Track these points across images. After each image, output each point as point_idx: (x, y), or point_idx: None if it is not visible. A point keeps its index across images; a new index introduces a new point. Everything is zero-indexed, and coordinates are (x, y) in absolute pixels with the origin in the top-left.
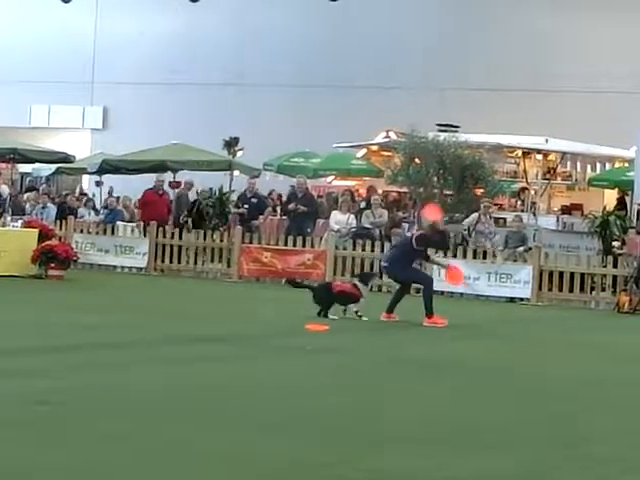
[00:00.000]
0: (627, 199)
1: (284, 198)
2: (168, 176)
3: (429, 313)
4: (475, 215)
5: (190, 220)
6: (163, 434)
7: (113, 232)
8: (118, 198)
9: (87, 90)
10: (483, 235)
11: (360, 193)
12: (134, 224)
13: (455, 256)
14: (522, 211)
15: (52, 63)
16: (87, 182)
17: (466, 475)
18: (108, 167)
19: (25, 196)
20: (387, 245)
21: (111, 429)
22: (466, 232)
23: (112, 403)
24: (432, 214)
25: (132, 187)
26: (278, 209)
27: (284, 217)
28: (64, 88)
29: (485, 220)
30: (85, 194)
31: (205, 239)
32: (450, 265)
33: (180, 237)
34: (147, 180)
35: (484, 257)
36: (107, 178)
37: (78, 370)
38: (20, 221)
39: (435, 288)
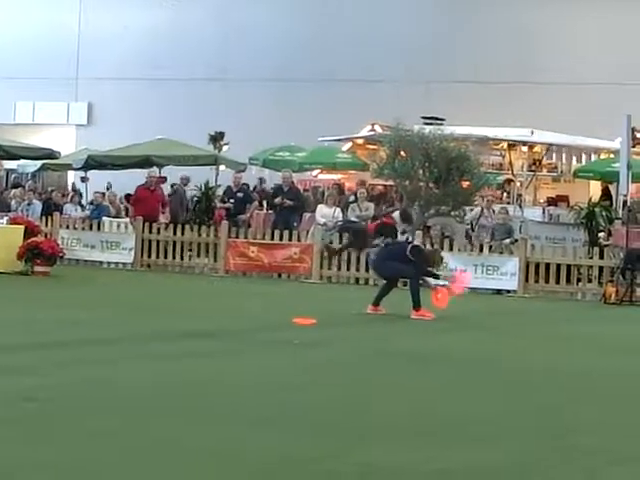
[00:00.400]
0: (612, 189)
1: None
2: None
3: (416, 306)
4: (477, 209)
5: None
6: (151, 431)
7: (99, 228)
8: (104, 194)
9: (71, 86)
10: (486, 229)
11: (348, 187)
12: (123, 220)
13: (442, 249)
14: (508, 203)
15: (36, 59)
16: (72, 178)
17: (454, 467)
18: (93, 163)
19: (11, 193)
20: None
21: (99, 426)
22: (469, 227)
23: (100, 400)
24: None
25: (119, 182)
26: (264, 203)
27: (270, 211)
28: (48, 84)
29: (488, 214)
30: (77, 190)
31: (193, 233)
32: (438, 287)
33: (172, 231)
34: (133, 176)
35: (470, 249)
36: (101, 175)
37: (65, 367)
38: (5, 218)
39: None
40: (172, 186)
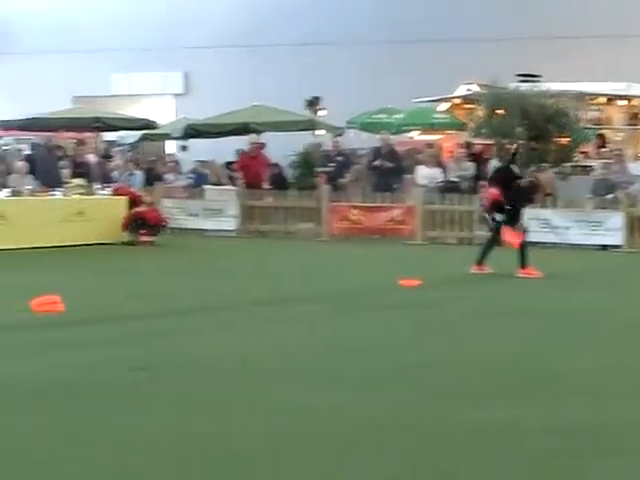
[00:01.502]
0: None
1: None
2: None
3: (523, 264)
4: (600, 165)
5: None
6: (258, 395)
7: (201, 196)
8: (204, 162)
9: (167, 56)
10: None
11: (446, 147)
12: (225, 187)
13: (544, 206)
14: (608, 158)
15: (131, 30)
16: (171, 147)
17: (570, 422)
18: (192, 131)
19: (112, 164)
20: (474, 197)
21: (201, 393)
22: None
23: (204, 367)
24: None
25: (218, 151)
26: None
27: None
28: (144, 55)
29: (620, 169)
30: (175, 161)
31: (295, 199)
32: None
33: (274, 197)
34: (232, 143)
35: (574, 206)
36: (200, 143)
37: (174, 335)
38: (108, 189)
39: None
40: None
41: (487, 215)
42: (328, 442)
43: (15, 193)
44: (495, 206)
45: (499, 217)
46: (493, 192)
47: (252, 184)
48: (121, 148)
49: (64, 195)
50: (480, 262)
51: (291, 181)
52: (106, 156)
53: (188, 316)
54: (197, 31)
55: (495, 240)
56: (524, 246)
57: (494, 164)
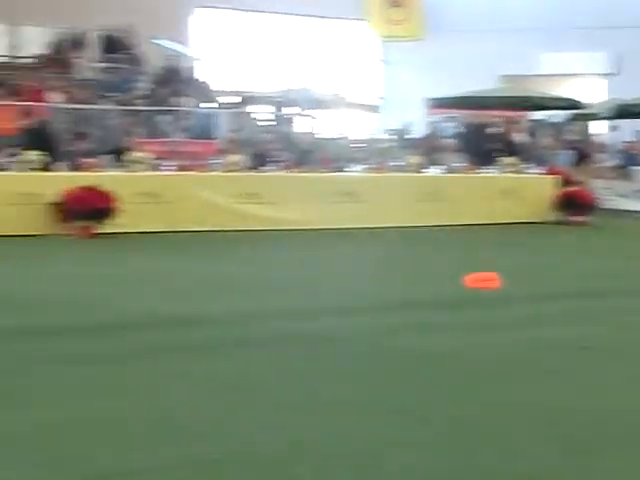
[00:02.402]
0: None
1: None
2: None
3: None
4: None
5: None
6: None
7: (630, 177)
8: (634, 142)
9: (596, 35)
10: None
11: None
12: None
13: None
14: None
15: (560, 9)
16: (600, 128)
17: None
18: (622, 112)
19: (542, 143)
20: None
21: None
22: None
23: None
24: None
25: None
26: None
27: None
28: (573, 34)
29: None
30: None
31: None
32: None
33: None
34: None
35: None
36: (630, 123)
37: (615, 316)
38: (538, 168)
39: None
40: None
41: None
42: None
43: (449, 170)
44: None
45: None
46: None
47: None
48: (548, 127)
49: (495, 173)
50: None
51: None
52: (534, 135)
53: (615, 298)
54: (626, 11)
55: None
56: None
57: None
